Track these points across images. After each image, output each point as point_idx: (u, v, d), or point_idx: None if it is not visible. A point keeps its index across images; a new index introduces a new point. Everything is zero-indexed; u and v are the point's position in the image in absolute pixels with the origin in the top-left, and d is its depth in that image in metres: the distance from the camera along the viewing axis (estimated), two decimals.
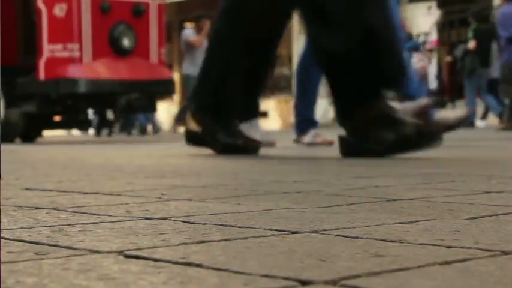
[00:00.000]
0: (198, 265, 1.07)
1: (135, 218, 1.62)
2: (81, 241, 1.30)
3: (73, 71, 10.62)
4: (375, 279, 0.97)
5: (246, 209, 1.78)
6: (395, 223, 1.50)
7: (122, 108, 11.23)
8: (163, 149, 6.69)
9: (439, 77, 18.14)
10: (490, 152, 4.89)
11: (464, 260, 1.09)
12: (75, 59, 10.66)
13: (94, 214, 1.71)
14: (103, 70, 10.71)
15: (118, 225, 1.52)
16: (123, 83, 10.76)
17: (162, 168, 3.53)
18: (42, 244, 1.28)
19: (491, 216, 1.61)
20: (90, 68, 10.65)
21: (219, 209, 1.77)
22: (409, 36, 16.50)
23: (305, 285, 0.94)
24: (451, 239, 1.29)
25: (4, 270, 1.04)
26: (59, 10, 10.85)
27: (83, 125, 13.40)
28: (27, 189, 2.42)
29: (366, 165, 3.58)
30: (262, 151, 5.04)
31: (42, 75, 10.72)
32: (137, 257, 1.14)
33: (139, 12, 11.12)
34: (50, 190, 2.36)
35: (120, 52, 10.82)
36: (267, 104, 25.09)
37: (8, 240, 1.32)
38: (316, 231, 1.39)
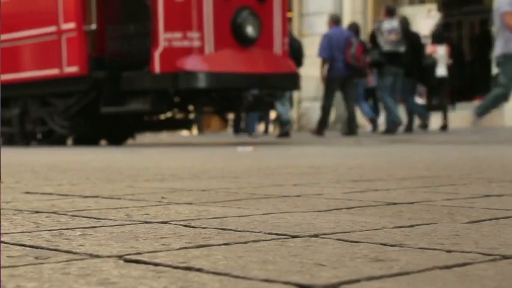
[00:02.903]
0: (199, 270, 1.07)
1: (135, 222, 1.62)
2: (81, 245, 1.30)
3: (194, 63, 9.05)
4: (375, 283, 0.97)
5: (247, 212, 1.78)
6: (395, 227, 1.50)
7: (249, 105, 9.68)
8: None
9: None
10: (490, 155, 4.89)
11: (465, 264, 1.09)
12: (196, 49, 9.10)
13: (94, 218, 1.71)
14: (226, 62, 9.15)
15: (118, 229, 1.52)
16: (247, 76, 9.21)
17: (162, 171, 3.53)
18: (42, 248, 1.28)
19: (491, 220, 1.61)
20: (212, 59, 9.11)
21: (220, 213, 1.77)
22: None
23: None
24: (451, 243, 1.29)
25: (4, 274, 1.04)
26: None
27: (188, 125, 11.63)
28: (27, 192, 2.42)
29: (366, 168, 3.58)
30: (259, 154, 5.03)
31: (157, 68, 9.10)
32: (137, 262, 1.14)
33: None
34: (50, 194, 2.36)
35: (243, 41, 9.26)
36: None
37: (8, 245, 1.32)
38: (316, 236, 1.39)
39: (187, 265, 1.10)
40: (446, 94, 14.80)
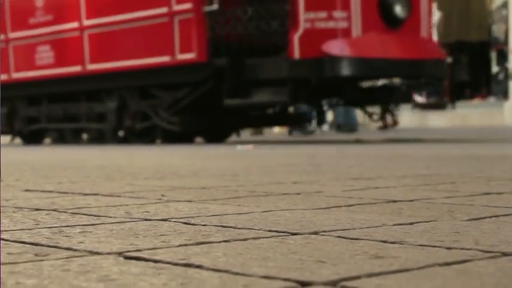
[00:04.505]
0: (198, 266, 1.07)
1: (135, 220, 1.62)
2: (81, 242, 1.30)
3: (341, 47, 7.82)
4: (375, 280, 0.97)
5: (246, 210, 1.78)
6: (395, 224, 1.50)
7: (402, 96, 8.53)
8: None
9: None
10: (490, 153, 4.89)
11: (464, 261, 1.09)
12: (342, 31, 7.91)
13: (94, 215, 1.71)
14: (375, 46, 7.93)
15: (118, 226, 1.52)
16: (399, 63, 7.98)
17: (162, 169, 3.53)
18: (42, 245, 1.28)
19: (491, 217, 1.61)
20: (360, 43, 7.93)
21: (219, 210, 1.77)
22: None
23: (305, 286, 0.94)
24: (451, 240, 1.29)
25: (4, 271, 1.04)
26: None
27: (302, 120, 10.55)
28: (27, 190, 2.42)
29: (366, 166, 3.58)
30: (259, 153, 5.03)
31: (296, 53, 7.78)
32: (137, 258, 1.14)
33: None
34: (50, 191, 2.36)
35: (391, 23, 8.04)
36: None
37: (8, 242, 1.32)
38: (316, 233, 1.39)
39: (187, 262, 1.10)
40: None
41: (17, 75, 10.35)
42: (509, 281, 0.96)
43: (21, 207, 1.89)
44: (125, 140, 9.35)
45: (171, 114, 8.73)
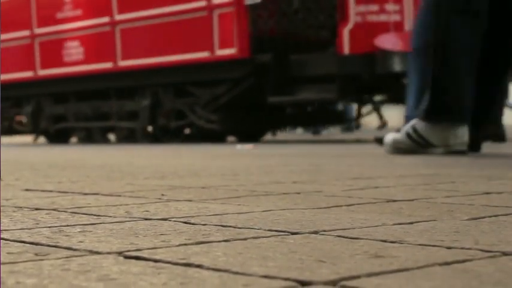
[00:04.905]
0: (198, 266, 1.07)
1: (135, 219, 1.62)
2: (81, 242, 1.30)
3: (394, 42, 7.46)
4: (374, 280, 0.97)
5: (246, 209, 1.78)
6: (395, 224, 1.50)
7: None
8: None
9: None
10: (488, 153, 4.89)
11: (464, 260, 1.09)
12: (395, 25, 7.58)
13: (94, 215, 1.71)
14: None
15: (118, 226, 1.52)
16: None
17: (162, 169, 3.53)
18: (42, 245, 1.28)
19: (491, 217, 1.61)
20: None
21: (219, 210, 1.77)
22: None
23: (305, 285, 0.94)
24: (451, 239, 1.29)
25: (4, 271, 1.04)
26: None
27: (341, 118, 10.39)
28: (27, 190, 2.42)
29: (365, 166, 3.58)
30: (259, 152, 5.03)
31: (346, 48, 7.45)
32: (137, 258, 1.14)
33: None
34: (50, 191, 2.37)
35: None
36: None
37: (8, 241, 1.32)
38: (316, 232, 1.39)
39: (187, 261, 1.10)
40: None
41: (43, 72, 9.99)
42: (508, 281, 0.96)
43: (21, 207, 1.89)
44: (156, 139, 9.02)
45: (209, 112, 8.40)
